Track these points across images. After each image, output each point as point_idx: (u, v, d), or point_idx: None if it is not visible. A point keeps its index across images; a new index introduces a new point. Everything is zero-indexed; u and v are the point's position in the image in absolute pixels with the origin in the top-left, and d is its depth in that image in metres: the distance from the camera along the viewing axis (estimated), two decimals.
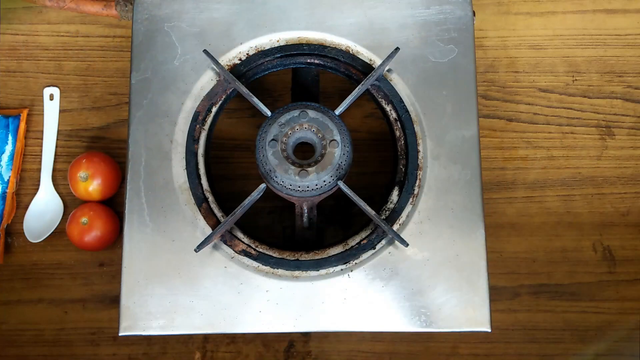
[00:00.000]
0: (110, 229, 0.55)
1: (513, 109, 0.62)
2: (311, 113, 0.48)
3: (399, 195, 0.51)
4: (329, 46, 0.54)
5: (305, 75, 0.56)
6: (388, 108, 0.53)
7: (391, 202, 0.51)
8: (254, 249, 0.50)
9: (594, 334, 0.57)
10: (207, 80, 0.53)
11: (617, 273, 0.58)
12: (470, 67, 0.53)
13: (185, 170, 0.51)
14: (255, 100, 0.50)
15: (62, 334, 0.56)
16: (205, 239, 0.48)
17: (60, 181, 0.59)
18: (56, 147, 0.59)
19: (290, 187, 0.48)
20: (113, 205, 0.58)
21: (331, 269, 0.49)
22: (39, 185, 0.58)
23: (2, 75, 0.62)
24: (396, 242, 0.49)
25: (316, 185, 0.48)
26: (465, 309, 0.48)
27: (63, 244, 0.57)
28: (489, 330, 0.48)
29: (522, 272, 0.58)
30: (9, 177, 0.58)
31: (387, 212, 0.51)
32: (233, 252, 0.49)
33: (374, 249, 0.50)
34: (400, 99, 0.52)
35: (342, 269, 0.49)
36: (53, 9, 0.62)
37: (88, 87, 0.61)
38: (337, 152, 0.48)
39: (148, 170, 0.50)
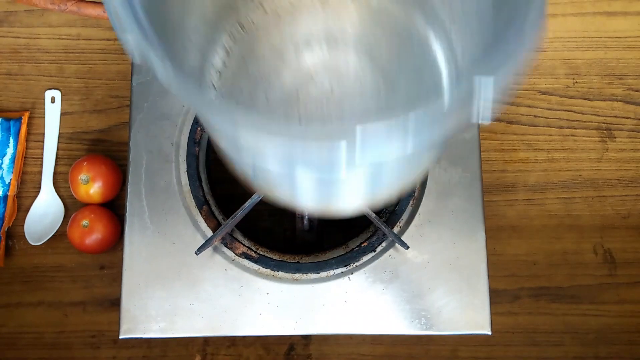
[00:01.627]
0: (110, 231, 0.55)
1: (513, 112, 0.62)
2: None
3: (400, 197, 0.51)
4: None
5: None
6: None
7: (391, 205, 0.51)
8: (255, 252, 0.50)
9: (595, 336, 0.57)
10: None
11: (618, 276, 0.58)
12: None
13: (186, 173, 0.51)
14: None
15: (62, 337, 0.56)
16: (206, 241, 0.48)
17: (61, 184, 0.59)
18: (57, 149, 0.59)
19: None
20: (114, 207, 0.58)
21: (331, 272, 0.49)
22: (40, 188, 0.58)
23: (4, 78, 0.62)
24: (397, 244, 0.49)
25: None
26: (465, 311, 0.48)
27: (64, 247, 0.57)
28: (490, 333, 0.48)
29: (522, 274, 0.58)
30: (10, 179, 0.58)
31: (388, 214, 0.51)
32: (234, 254, 0.49)
33: (375, 251, 0.49)
34: None
35: (342, 272, 0.49)
36: (54, 12, 0.62)
37: (89, 89, 0.61)
38: None
39: (149, 172, 0.50)
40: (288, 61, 0.46)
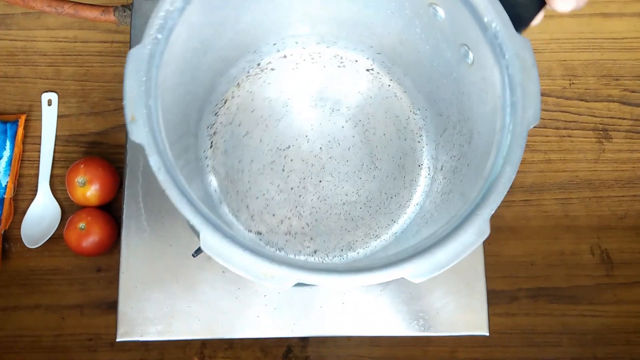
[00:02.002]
0: (107, 234, 0.55)
1: None
2: None
3: None
4: None
5: None
6: None
7: None
8: None
9: (593, 337, 0.57)
10: None
11: (615, 276, 0.58)
12: None
13: None
14: None
15: (59, 340, 0.56)
16: None
17: (58, 186, 0.59)
18: (54, 152, 0.59)
19: None
20: (111, 210, 0.58)
21: None
22: (36, 190, 0.58)
23: (0, 81, 0.62)
24: None
25: None
26: (463, 312, 0.48)
27: (61, 250, 0.57)
28: (487, 334, 0.48)
29: (520, 275, 0.58)
30: (7, 182, 0.58)
31: None
32: None
33: None
34: None
35: None
36: (51, 14, 0.62)
37: (86, 92, 0.61)
38: None
39: (146, 175, 0.50)
40: (290, 111, 0.48)
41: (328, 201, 0.47)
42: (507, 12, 0.34)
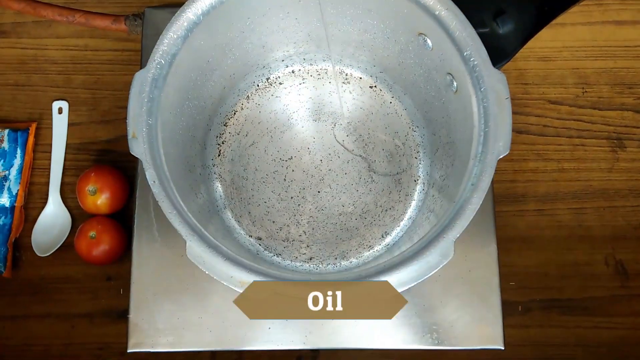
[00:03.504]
0: (118, 242, 0.55)
1: (523, 121, 0.61)
2: None
3: None
4: None
5: None
6: None
7: None
8: None
9: (607, 350, 0.56)
10: None
11: (630, 287, 0.57)
12: None
13: None
14: None
15: (69, 349, 0.56)
16: None
17: (68, 195, 0.59)
18: (65, 160, 0.59)
19: None
20: (121, 218, 0.57)
21: None
22: (47, 199, 0.58)
23: (12, 89, 0.62)
24: None
25: None
26: (477, 326, 0.47)
27: (71, 258, 0.57)
28: (502, 347, 0.47)
29: (533, 286, 0.57)
30: (17, 190, 0.58)
31: None
32: None
33: None
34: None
35: None
36: (62, 23, 0.62)
37: (97, 100, 0.61)
38: None
39: None
40: (294, 123, 0.51)
41: (325, 211, 0.48)
42: (491, 45, 0.36)
